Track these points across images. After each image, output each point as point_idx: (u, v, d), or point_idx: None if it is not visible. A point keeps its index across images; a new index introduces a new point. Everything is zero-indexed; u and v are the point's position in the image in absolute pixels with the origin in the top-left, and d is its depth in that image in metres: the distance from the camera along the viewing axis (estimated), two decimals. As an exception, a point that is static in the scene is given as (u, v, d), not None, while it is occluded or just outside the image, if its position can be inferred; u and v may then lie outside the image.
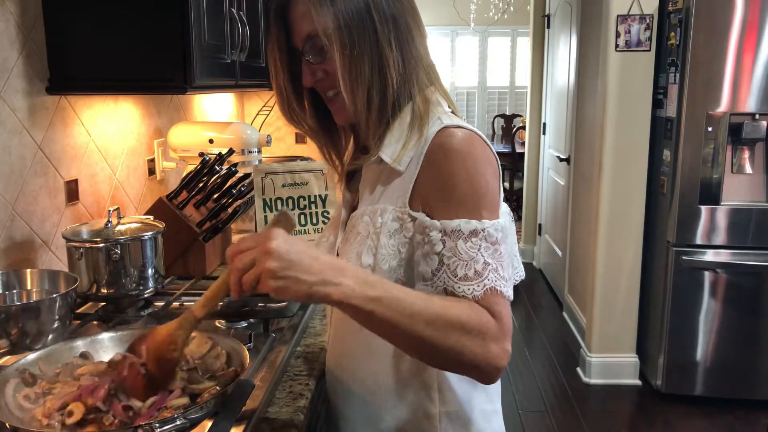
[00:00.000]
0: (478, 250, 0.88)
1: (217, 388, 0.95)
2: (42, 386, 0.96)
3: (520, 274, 1.09)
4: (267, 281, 0.79)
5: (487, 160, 0.93)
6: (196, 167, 1.84)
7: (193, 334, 1.09)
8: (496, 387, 1.09)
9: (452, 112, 1.02)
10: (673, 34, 3.01)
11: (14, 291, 1.32)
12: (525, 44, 8.27)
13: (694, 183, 3.00)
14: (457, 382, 1.02)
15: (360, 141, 1.08)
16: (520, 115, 7.99)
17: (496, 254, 0.89)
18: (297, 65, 1.00)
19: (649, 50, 3.16)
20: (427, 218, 0.91)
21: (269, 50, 1.01)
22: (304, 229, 1.99)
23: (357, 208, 1.05)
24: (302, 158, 2.77)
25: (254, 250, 0.80)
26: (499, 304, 0.88)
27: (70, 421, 0.88)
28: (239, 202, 1.84)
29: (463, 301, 0.87)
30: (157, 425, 0.85)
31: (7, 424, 0.86)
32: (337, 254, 1.06)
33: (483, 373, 0.88)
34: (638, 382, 3.43)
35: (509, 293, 0.90)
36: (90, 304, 1.48)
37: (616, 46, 3.16)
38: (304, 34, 0.96)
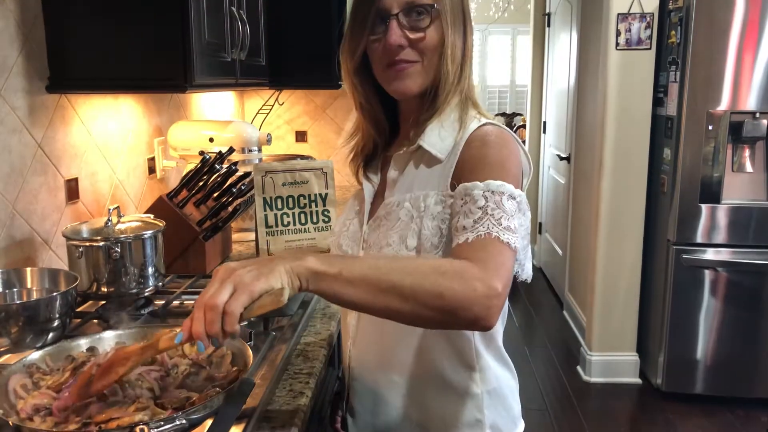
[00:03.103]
0: (515, 211, 0.94)
1: (217, 389, 0.96)
2: (37, 376, 0.98)
3: (528, 273, 1.09)
4: (242, 278, 0.79)
5: (517, 155, 1.01)
6: (196, 166, 1.84)
7: None
8: (510, 361, 1.16)
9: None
10: (673, 32, 3.01)
11: (14, 289, 1.32)
12: (525, 43, 8.27)
13: (695, 181, 3.00)
14: (491, 360, 1.09)
15: (382, 129, 1.16)
16: (520, 114, 7.99)
17: (521, 222, 0.95)
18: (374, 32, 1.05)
19: (650, 49, 3.16)
20: (468, 183, 0.96)
21: (358, 6, 1.05)
22: (305, 228, 1.99)
23: (383, 194, 1.10)
24: (302, 157, 2.77)
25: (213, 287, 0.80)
26: (509, 257, 0.91)
27: (43, 426, 0.89)
28: (239, 200, 1.84)
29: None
30: (157, 425, 0.85)
31: (9, 422, 0.86)
32: (363, 242, 1.09)
33: (476, 316, 0.84)
34: (638, 380, 3.43)
35: (520, 257, 1.01)
36: (90, 302, 1.48)
37: (617, 44, 3.16)
38: None
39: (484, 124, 1.03)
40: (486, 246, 0.90)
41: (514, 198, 0.94)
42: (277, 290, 0.80)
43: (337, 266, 0.82)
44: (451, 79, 1.04)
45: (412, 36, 1.02)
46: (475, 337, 1.07)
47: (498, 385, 1.10)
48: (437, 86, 1.05)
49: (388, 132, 1.18)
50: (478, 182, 0.95)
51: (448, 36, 1.02)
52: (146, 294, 1.49)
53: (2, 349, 1.16)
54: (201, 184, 1.83)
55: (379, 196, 1.13)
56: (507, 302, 1.12)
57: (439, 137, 1.04)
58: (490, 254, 0.89)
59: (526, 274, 1.06)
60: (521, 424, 1.17)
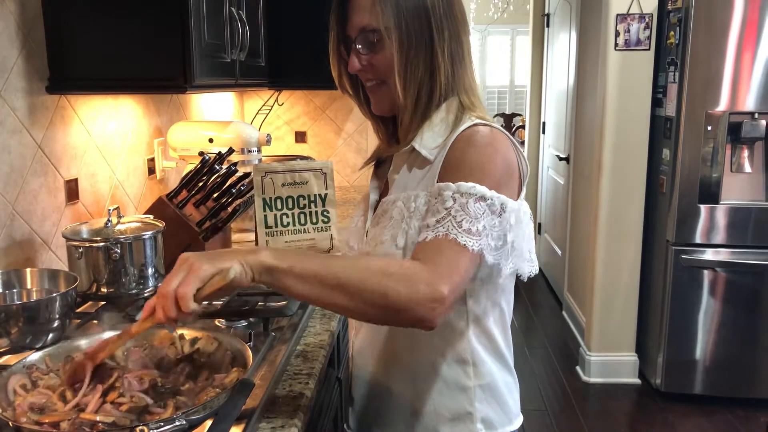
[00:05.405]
0: (482, 213, 0.94)
1: (217, 389, 0.96)
2: (36, 376, 0.98)
3: (526, 271, 1.09)
4: (193, 265, 0.83)
5: (504, 154, 1.00)
6: (195, 166, 1.84)
7: (199, 334, 1.10)
8: (510, 360, 1.17)
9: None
10: (672, 33, 3.02)
11: (14, 290, 1.32)
12: (524, 43, 8.27)
13: (694, 182, 3.01)
14: (487, 356, 1.10)
15: (390, 131, 1.18)
16: (519, 114, 7.99)
17: (492, 223, 0.95)
18: (346, 51, 1.10)
19: (649, 49, 3.16)
20: (443, 183, 0.97)
21: (330, 30, 1.11)
22: (304, 228, 1.99)
23: (386, 194, 1.13)
24: (302, 157, 2.77)
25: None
26: (465, 260, 0.92)
27: (45, 419, 0.89)
28: (239, 201, 1.84)
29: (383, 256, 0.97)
30: (157, 426, 0.85)
31: (9, 423, 0.86)
32: (366, 236, 1.14)
33: (418, 317, 0.88)
34: (638, 380, 3.44)
35: (490, 259, 0.96)
36: (90, 303, 1.48)
37: (616, 45, 3.17)
38: (360, 25, 1.05)
39: (475, 124, 1.03)
40: (442, 248, 0.92)
41: (484, 200, 0.94)
42: (224, 270, 0.84)
43: (289, 261, 0.86)
44: (412, 95, 1.04)
45: (367, 59, 1.06)
46: (470, 332, 1.08)
47: (492, 380, 1.11)
48: (430, 91, 1.06)
49: (392, 132, 1.19)
50: (450, 183, 0.96)
51: (395, 55, 1.02)
52: (146, 294, 1.49)
53: (2, 350, 1.16)
54: (201, 184, 1.83)
55: (383, 195, 1.17)
56: (506, 303, 1.12)
57: (431, 139, 1.06)
58: (444, 257, 0.91)
59: (526, 272, 1.06)
60: (518, 421, 1.17)
